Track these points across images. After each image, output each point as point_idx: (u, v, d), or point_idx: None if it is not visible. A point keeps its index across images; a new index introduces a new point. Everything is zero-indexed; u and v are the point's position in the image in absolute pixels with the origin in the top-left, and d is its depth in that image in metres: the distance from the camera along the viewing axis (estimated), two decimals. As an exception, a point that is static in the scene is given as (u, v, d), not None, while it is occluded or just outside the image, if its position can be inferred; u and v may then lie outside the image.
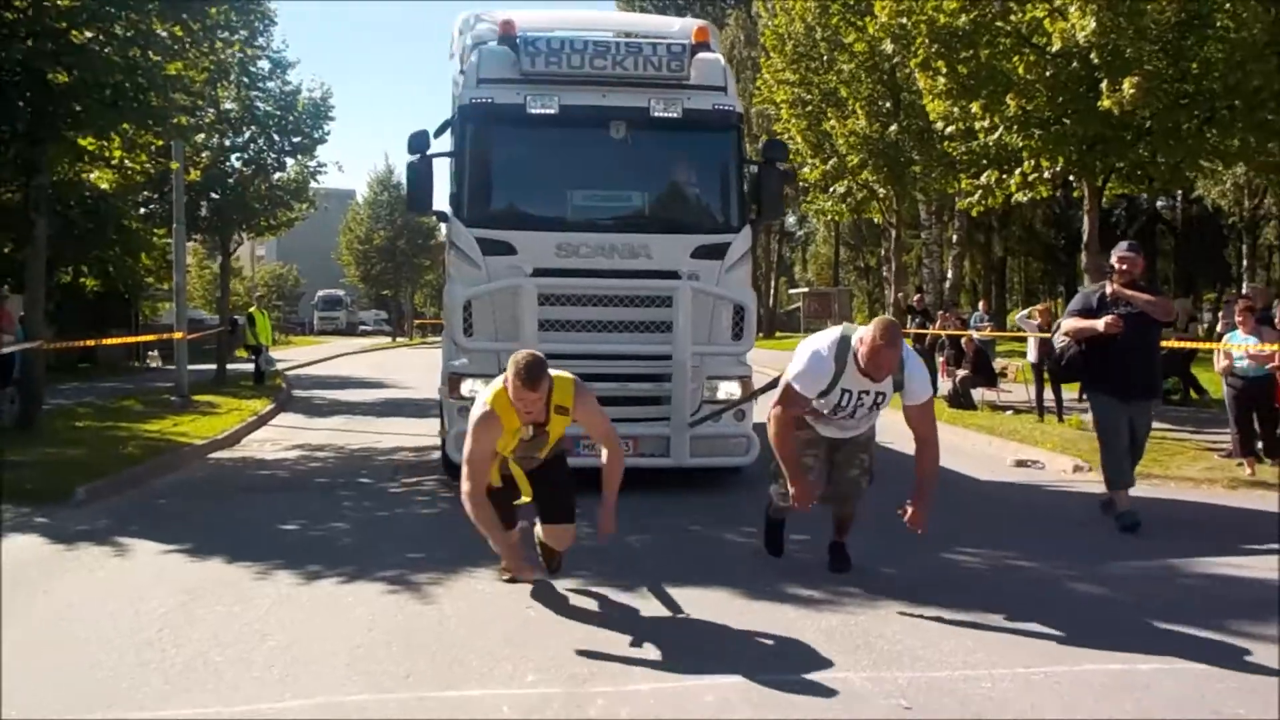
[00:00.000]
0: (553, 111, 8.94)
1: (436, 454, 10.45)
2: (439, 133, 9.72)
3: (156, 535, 7.46)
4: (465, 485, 5.41)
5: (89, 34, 11.74)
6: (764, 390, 8.24)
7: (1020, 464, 10.81)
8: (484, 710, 4.15)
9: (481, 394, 5.59)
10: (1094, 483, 9.98)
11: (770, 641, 5.08)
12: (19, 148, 11.81)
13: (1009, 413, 15.44)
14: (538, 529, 6.04)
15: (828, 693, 4.37)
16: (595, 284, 8.89)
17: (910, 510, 5.66)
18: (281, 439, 13.79)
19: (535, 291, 8.70)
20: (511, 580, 5.96)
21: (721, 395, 9.19)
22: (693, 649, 4.94)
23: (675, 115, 9.08)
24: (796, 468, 5.83)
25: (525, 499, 5.73)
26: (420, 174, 9.17)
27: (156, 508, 8.77)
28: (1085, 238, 15.10)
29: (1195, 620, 5.33)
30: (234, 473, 10.94)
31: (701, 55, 9.39)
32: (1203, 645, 4.98)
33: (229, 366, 21.92)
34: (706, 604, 5.67)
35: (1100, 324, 7.51)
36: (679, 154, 9.61)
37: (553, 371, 5.36)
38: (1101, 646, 4.94)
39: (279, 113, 20.54)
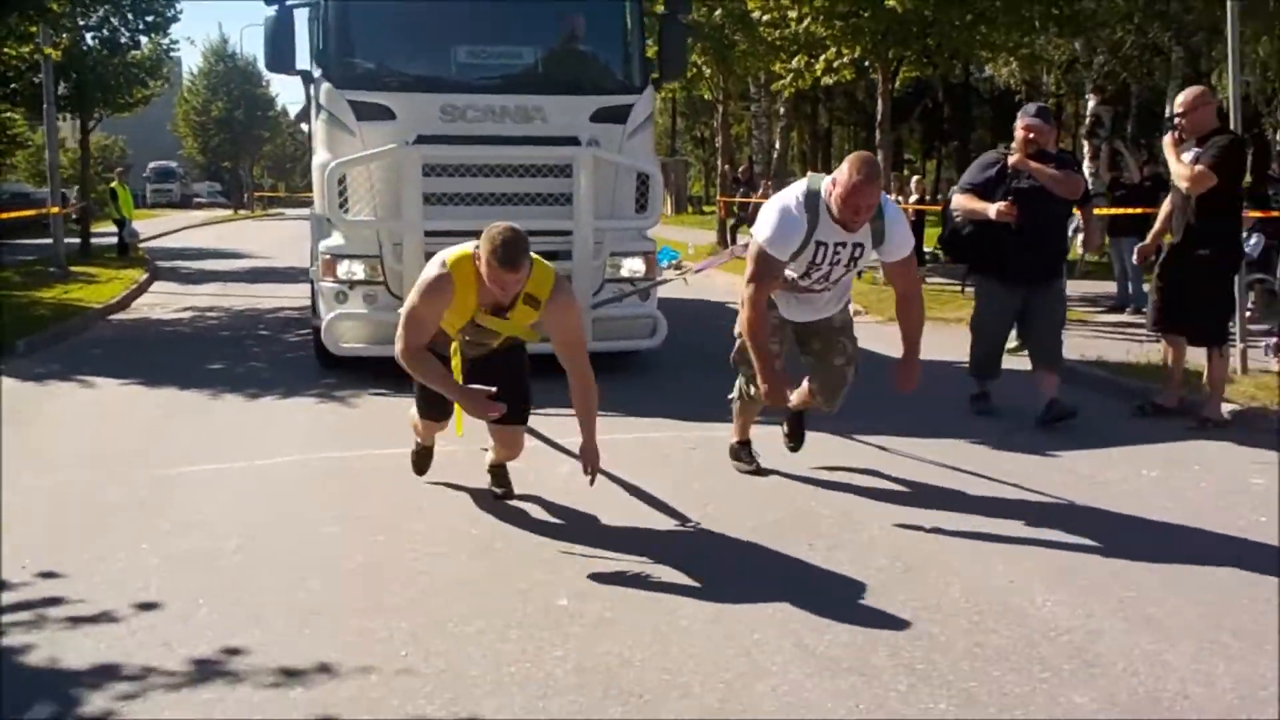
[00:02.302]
0: None
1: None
2: None
3: (108, 373, 9.11)
4: (399, 345, 4.73)
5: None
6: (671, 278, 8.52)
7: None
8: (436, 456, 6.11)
9: (440, 254, 4.77)
10: (867, 322, 12.38)
11: (648, 453, 6.48)
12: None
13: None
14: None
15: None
16: (485, 152, 8.15)
17: (901, 370, 5.36)
18: (167, 303, 15.14)
19: (419, 161, 7.96)
20: (423, 452, 5.72)
21: (625, 273, 8.69)
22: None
23: None
24: (768, 359, 5.21)
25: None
26: (281, 27, 8.28)
27: (92, 356, 10.31)
28: (880, 117, 17.36)
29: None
30: (140, 330, 12.47)
31: None
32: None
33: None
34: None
35: (991, 210, 6.84)
36: (576, 3, 8.93)
37: (535, 255, 4.62)
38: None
39: (133, -9, 21.22)
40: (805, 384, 5.84)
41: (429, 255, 7.06)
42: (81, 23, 20.84)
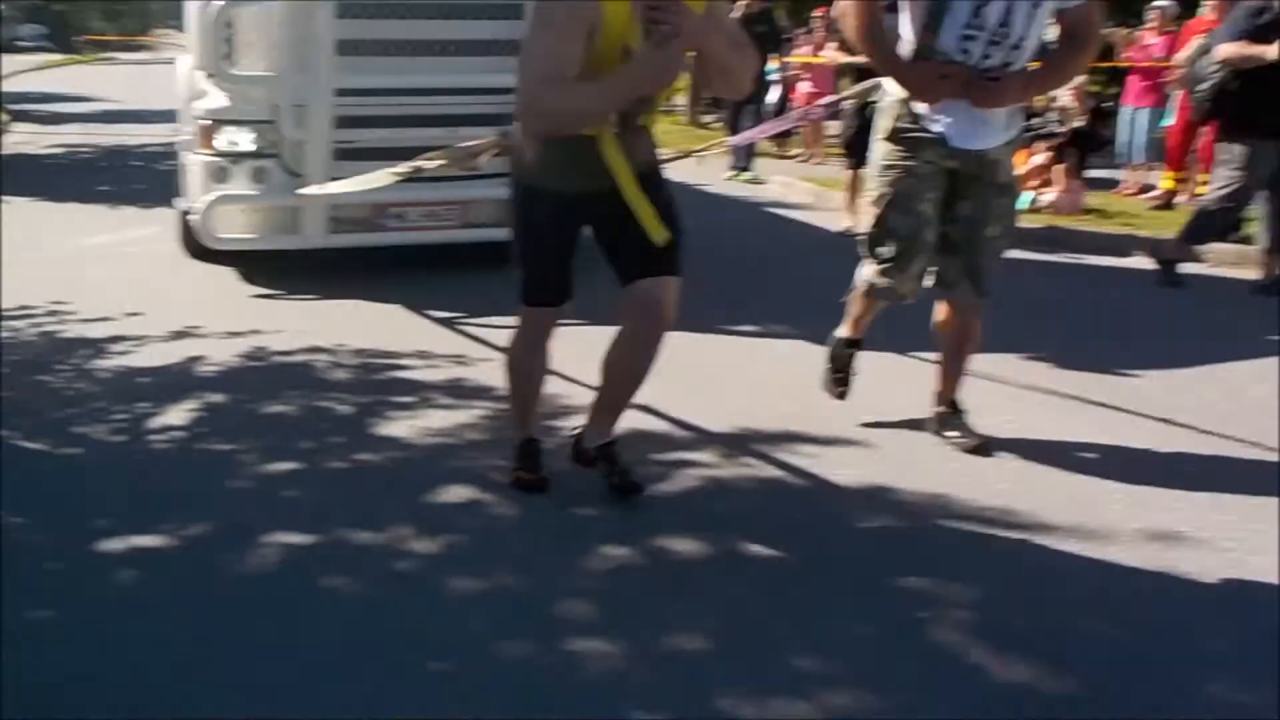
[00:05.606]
0: None
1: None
2: None
3: (10, 193, 10.55)
4: (524, 94, 3.36)
5: None
6: None
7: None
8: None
9: None
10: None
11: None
12: None
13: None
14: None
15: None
16: None
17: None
18: (34, 141, 16.32)
19: None
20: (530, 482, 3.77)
21: None
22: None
23: None
24: (886, 44, 3.78)
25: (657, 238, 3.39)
26: None
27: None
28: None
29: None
30: (22, 162, 13.68)
31: None
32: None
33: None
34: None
35: (1272, 50, 6.08)
36: None
37: None
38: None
39: None
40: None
41: (341, 121, 6.51)
42: None
